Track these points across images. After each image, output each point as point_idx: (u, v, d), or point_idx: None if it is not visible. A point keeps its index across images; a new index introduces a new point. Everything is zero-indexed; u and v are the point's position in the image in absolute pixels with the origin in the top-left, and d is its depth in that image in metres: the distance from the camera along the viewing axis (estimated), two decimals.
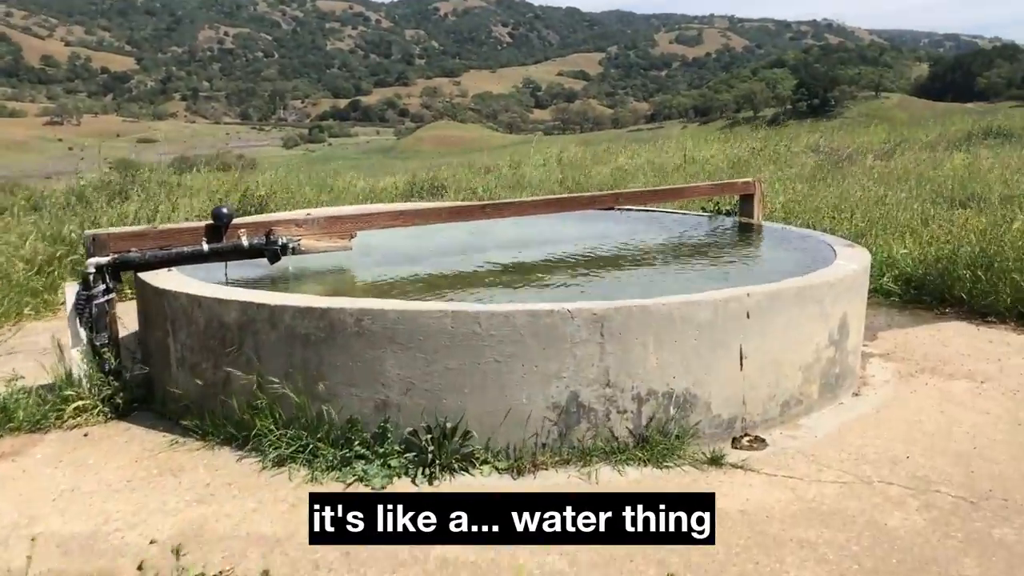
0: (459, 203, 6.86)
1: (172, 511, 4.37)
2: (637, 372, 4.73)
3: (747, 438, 5.05)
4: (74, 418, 5.63)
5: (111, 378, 5.76)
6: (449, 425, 4.64)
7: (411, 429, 4.69)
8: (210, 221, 6.17)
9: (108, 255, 5.83)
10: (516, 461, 4.67)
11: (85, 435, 5.46)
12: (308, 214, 6.67)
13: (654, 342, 4.71)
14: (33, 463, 5.03)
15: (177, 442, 5.29)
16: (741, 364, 4.95)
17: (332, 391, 4.87)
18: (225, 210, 6.14)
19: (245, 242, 6.23)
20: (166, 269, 5.95)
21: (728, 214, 9.18)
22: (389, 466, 4.67)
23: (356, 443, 4.78)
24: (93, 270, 5.73)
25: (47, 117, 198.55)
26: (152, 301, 5.67)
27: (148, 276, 5.78)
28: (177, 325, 5.49)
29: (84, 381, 5.74)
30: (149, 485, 4.68)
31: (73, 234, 10.22)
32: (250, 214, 11.81)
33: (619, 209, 8.77)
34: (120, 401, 5.73)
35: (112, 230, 5.95)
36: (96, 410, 5.71)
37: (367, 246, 7.14)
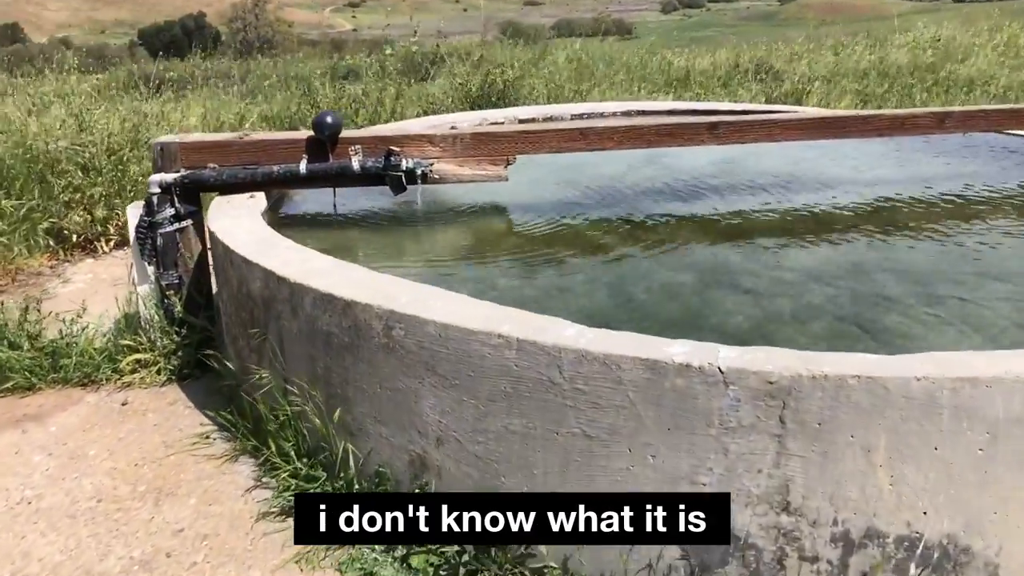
0: (677, 120, 4.46)
1: None
2: (848, 495, 2.39)
3: None
4: (130, 374, 4.49)
5: (177, 329, 4.51)
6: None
7: (456, 514, 2.79)
8: (310, 132, 4.56)
9: (177, 170, 4.49)
10: None
11: (124, 404, 4.30)
12: (452, 127, 4.79)
13: (888, 445, 2.32)
14: (34, 441, 3.95)
15: (205, 438, 3.93)
16: None
17: (358, 423, 3.14)
18: (329, 119, 4.48)
19: (356, 164, 4.56)
20: (249, 194, 4.49)
21: None
22: (410, 567, 2.87)
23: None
24: (157, 190, 4.42)
25: None
26: (210, 240, 4.25)
27: (215, 205, 4.35)
28: (220, 280, 4.04)
29: (150, 329, 4.56)
30: (110, 518, 3.35)
31: (295, 116, 9.33)
32: (503, 100, 10.14)
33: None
34: (178, 361, 4.48)
35: (187, 138, 4.58)
36: (157, 367, 4.52)
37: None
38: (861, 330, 3.30)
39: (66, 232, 6.85)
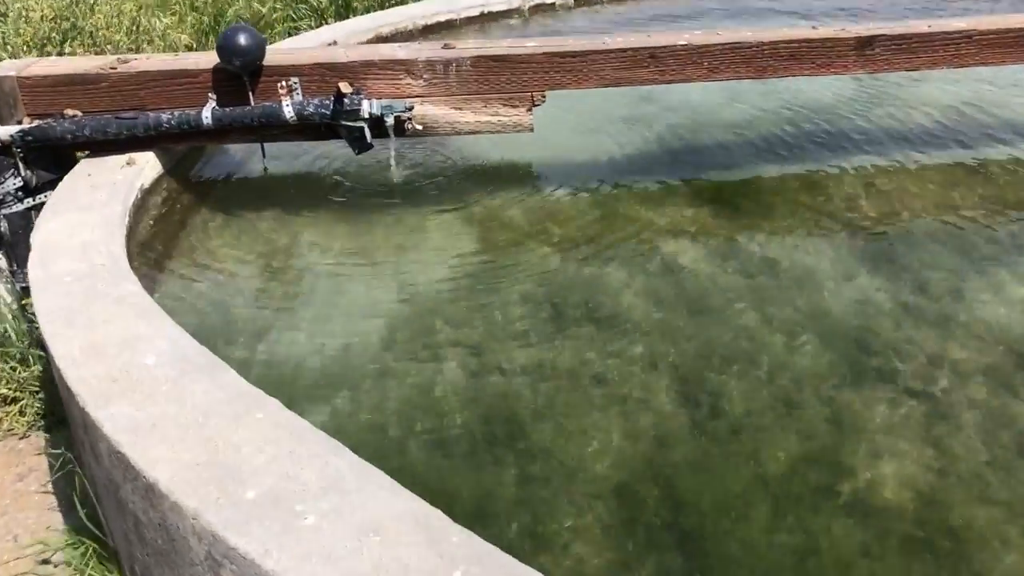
0: (801, 33, 2.55)
1: None
2: None
3: None
4: None
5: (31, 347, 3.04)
6: None
7: None
8: (217, 60, 2.88)
9: (18, 120, 2.91)
10: None
11: None
12: (445, 45, 3.04)
13: None
14: None
15: (44, 562, 2.49)
16: None
17: None
18: (243, 38, 2.80)
19: (289, 108, 2.90)
20: (126, 157, 2.90)
21: None
22: None
23: None
24: None
25: None
26: None
27: (71, 178, 2.79)
28: None
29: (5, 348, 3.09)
30: None
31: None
32: None
33: None
34: (47, 397, 3.03)
35: (31, 67, 2.93)
36: (19, 406, 3.08)
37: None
38: None
39: None
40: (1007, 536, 1.87)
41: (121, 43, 4.98)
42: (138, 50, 5.03)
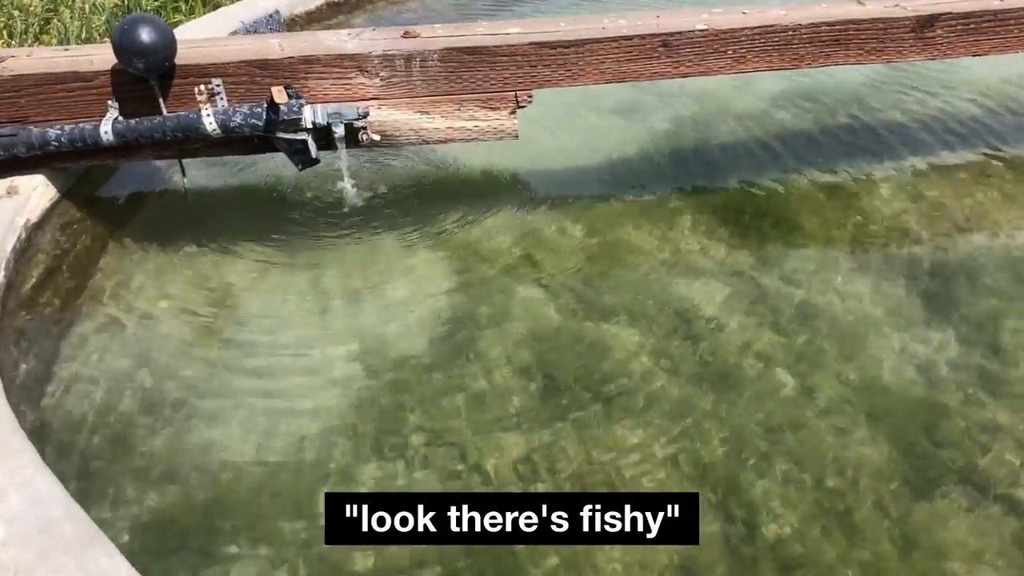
0: (844, 11, 1.95)
1: None
2: None
3: None
4: None
5: None
6: None
7: None
8: (114, 59, 2.27)
9: None
10: None
11: None
12: (405, 33, 2.44)
13: None
14: None
15: None
16: None
17: None
18: (145, 34, 2.18)
19: (210, 119, 2.31)
20: (10, 179, 2.31)
21: None
22: None
23: None
24: None
25: None
26: None
27: None
28: None
29: None
30: None
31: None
32: None
33: None
34: None
35: None
36: None
37: None
38: None
39: None
40: None
41: (33, 6, 4.24)
42: (56, 12, 4.29)
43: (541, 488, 1.83)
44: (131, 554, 1.37)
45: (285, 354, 2.15)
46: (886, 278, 2.40)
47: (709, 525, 1.77)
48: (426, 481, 1.84)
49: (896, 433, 1.96)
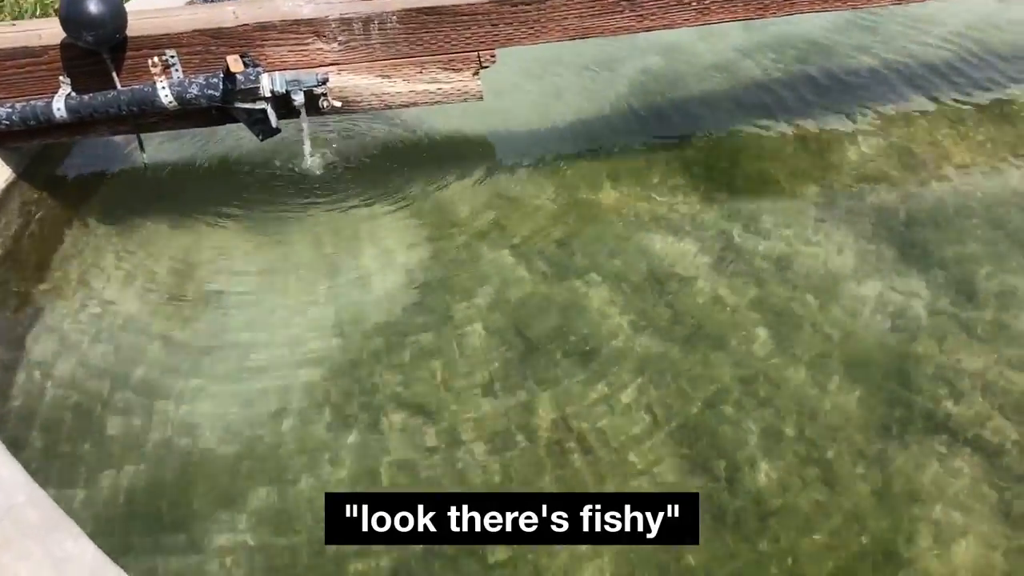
0: None
1: None
2: None
3: None
4: None
5: None
6: None
7: None
8: (61, 33, 2.19)
9: None
10: None
11: None
12: None
13: None
14: None
15: None
16: None
17: None
18: (92, 6, 2.09)
19: (165, 91, 2.25)
20: None
21: None
22: None
23: None
24: None
25: None
26: None
27: None
28: None
29: None
30: None
31: None
32: None
33: None
34: None
35: None
36: None
37: None
38: None
39: None
40: None
41: None
42: None
43: (517, 452, 1.82)
44: (97, 536, 1.35)
45: (256, 329, 2.12)
46: (858, 227, 2.39)
47: (688, 480, 1.77)
48: (402, 449, 1.83)
49: (871, 381, 1.96)
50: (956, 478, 1.77)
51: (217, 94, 2.26)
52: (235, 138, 2.73)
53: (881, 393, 1.93)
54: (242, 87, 2.26)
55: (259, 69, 2.28)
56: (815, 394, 1.93)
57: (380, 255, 2.34)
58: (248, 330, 2.12)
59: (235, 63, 2.21)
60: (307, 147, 2.51)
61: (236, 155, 2.72)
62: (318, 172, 2.59)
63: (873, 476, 1.77)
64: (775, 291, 2.19)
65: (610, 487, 1.76)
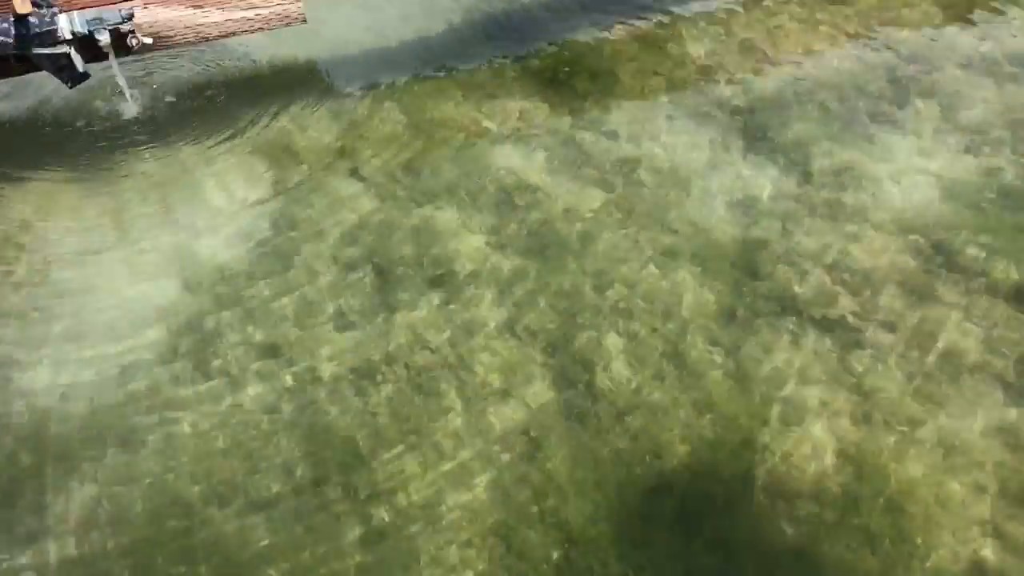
0: None
1: None
2: None
3: None
4: None
5: None
6: None
7: None
8: None
9: None
10: None
11: None
12: None
13: None
14: None
15: None
16: None
17: None
18: None
19: None
20: None
21: None
22: None
23: None
24: None
25: None
26: None
27: None
28: None
29: None
30: None
31: None
32: None
33: None
34: None
35: None
36: None
37: None
38: None
39: None
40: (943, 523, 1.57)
41: None
42: None
43: (379, 384, 1.79)
44: None
45: (97, 289, 1.99)
46: (703, 121, 2.41)
47: (547, 387, 1.78)
48: (262, 396, 1.77)
49: (721, 272, 2.00)
50: (805, 356, 1.84)
51: (10, 40, 2.06)
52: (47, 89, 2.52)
53: (731, 282, 1.98)
54: (38, 31, 2.07)
55: (54, 9, 2.09)
56: (667, 289, 1.96)
57: (221, 195, 2.23)
58: (87, 290, 1.99)
59: (23, 4, 2.02)
60: (124, 87, 2.34)
61: (50, 107, 2.51)
62: (140, 115, 2.42)
63: (727, 364, 1.82)
64: (626, 193, 2.19)
65: (475, 409, 1.75)
